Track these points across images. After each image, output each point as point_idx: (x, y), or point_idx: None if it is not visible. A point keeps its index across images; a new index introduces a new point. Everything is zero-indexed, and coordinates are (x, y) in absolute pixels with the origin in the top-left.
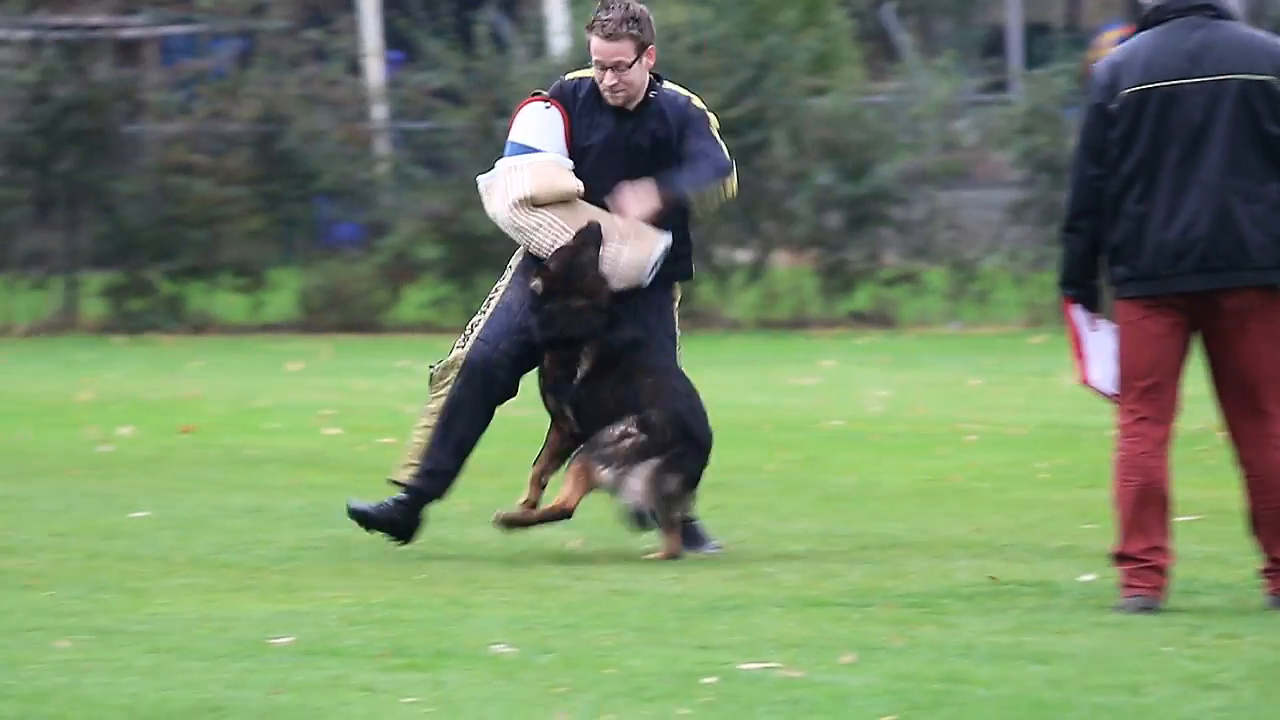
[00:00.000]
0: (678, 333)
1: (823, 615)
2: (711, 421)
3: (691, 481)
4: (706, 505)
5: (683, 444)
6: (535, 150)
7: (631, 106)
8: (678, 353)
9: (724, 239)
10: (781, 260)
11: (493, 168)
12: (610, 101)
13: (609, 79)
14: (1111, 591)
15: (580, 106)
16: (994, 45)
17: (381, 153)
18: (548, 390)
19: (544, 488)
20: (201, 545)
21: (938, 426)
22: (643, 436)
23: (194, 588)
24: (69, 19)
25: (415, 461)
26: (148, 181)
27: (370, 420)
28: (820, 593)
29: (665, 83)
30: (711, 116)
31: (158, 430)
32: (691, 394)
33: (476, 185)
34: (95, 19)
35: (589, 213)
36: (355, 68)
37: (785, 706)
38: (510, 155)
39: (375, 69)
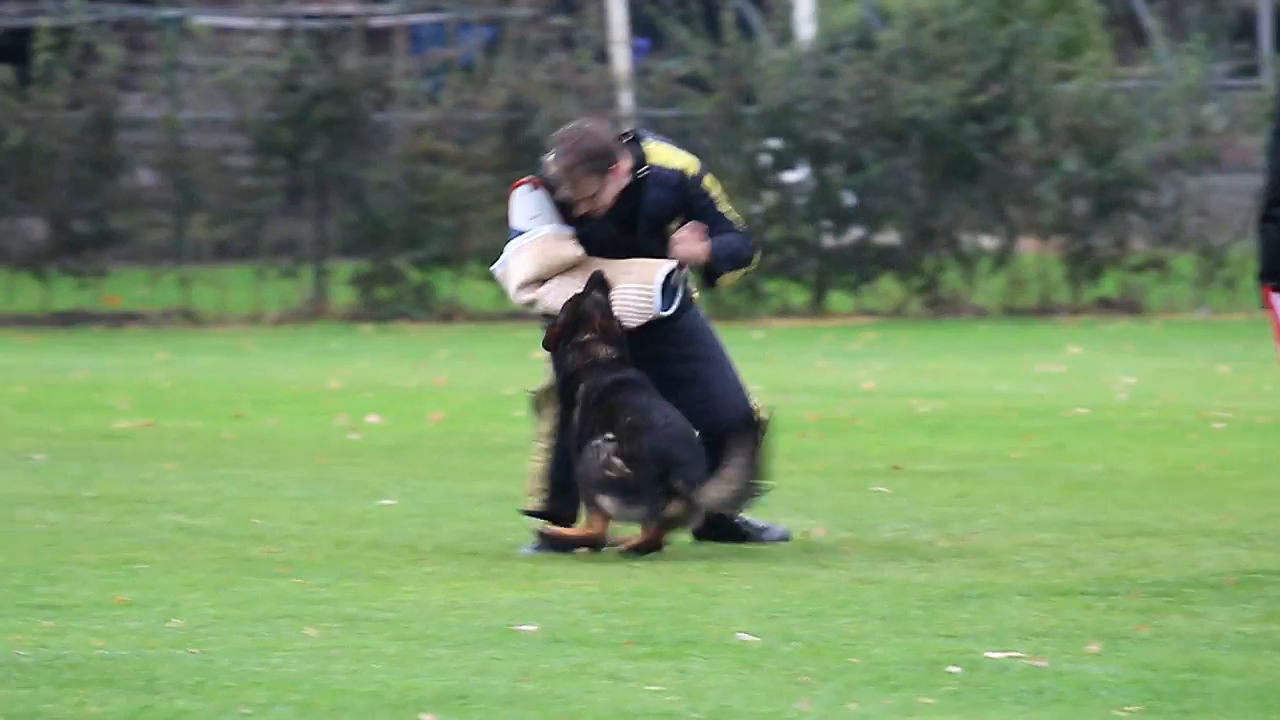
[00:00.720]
0: (718, 339)
1: (1068, 604)
2: (945, 407)
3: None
4: (951, 493)
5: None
6: (532, 231)
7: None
8: (723, 354)
9: (970, 226)
10: (1027, 247)
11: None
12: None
13: (583, 208)
14: None
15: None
16: (1243, 29)
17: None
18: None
19: None
20: (448, 533)
21: (1185, 414)
22: (627, 470)
23: (441, 575)
24: (319, 8)
25: (542, 486)
26: (396, 170)
27: None
28: (1065, 581)
29: (650, 145)
30: (709, 178)
31: (406, 418)
32: (670, 423)
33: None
34: (345, 7)
35: (593, 265)
36: (602, 55)
37: (1030, 696)
38: (511, 242)
39: (622, 56)
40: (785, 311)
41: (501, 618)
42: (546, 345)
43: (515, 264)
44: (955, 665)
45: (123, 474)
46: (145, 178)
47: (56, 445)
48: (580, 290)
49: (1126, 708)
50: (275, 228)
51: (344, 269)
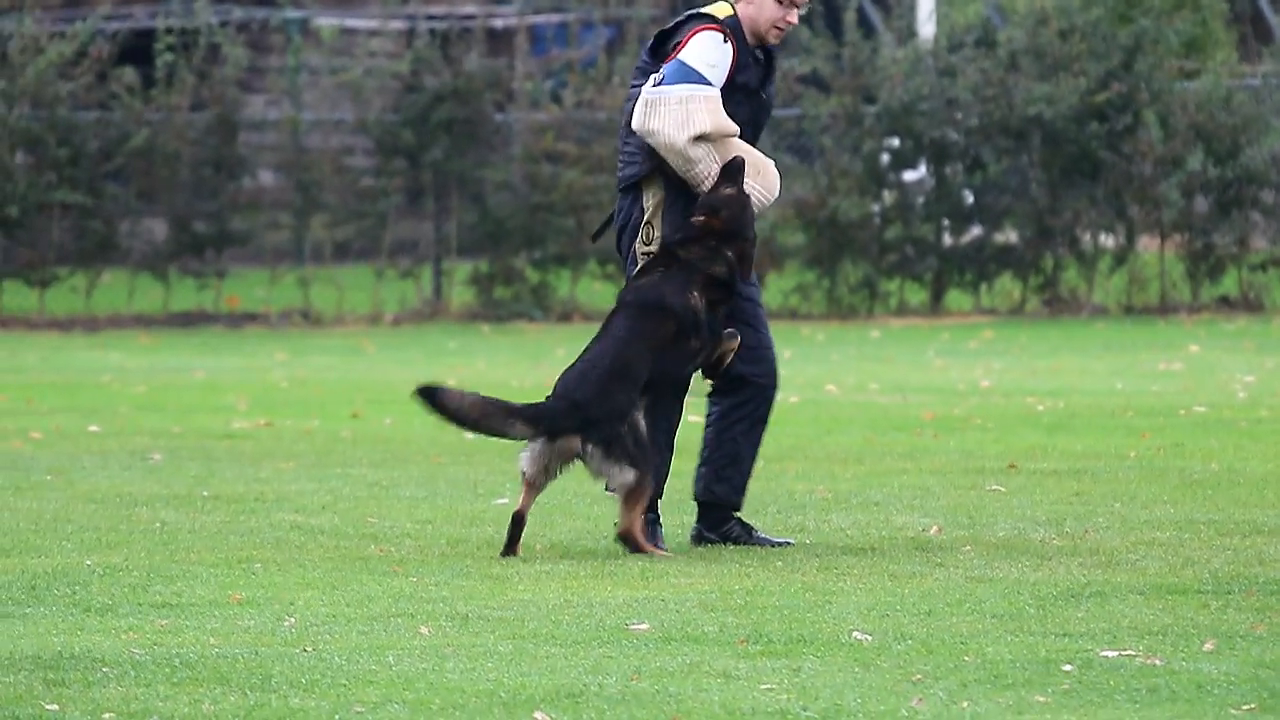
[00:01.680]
0: None
1: (1183, 602)
2: (1062, 406)
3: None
4: (1067, 492)
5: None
6: (709, 83)
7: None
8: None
9: (1090, 224)
10: (1147, 245)
11: (657, 84)
12: (772, 41)
13: (794, 17)
14: None
15: (741, 46)
16: None
17: None
18: (705, 326)
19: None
20: (563, 531)
21: None
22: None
23: (554, 574)
24: (441, 9)
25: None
26: (516, 170)
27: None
28: (1181, 580)
29: None
30: None
31: None
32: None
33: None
34: (467, 8)
35: (733, 147)
36: None
37: (1144, 694)
38: (685, 81)
39: None
40: (903, 310)
41: (615, 616)
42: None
43: (697, 110)
44: (1069, 664)
45: (239, 473)
46: (266, 179)
47: (174, 445)
48: (730, 187)
49: (1242, 706)
50: (395, 228)
51: (463, 269)
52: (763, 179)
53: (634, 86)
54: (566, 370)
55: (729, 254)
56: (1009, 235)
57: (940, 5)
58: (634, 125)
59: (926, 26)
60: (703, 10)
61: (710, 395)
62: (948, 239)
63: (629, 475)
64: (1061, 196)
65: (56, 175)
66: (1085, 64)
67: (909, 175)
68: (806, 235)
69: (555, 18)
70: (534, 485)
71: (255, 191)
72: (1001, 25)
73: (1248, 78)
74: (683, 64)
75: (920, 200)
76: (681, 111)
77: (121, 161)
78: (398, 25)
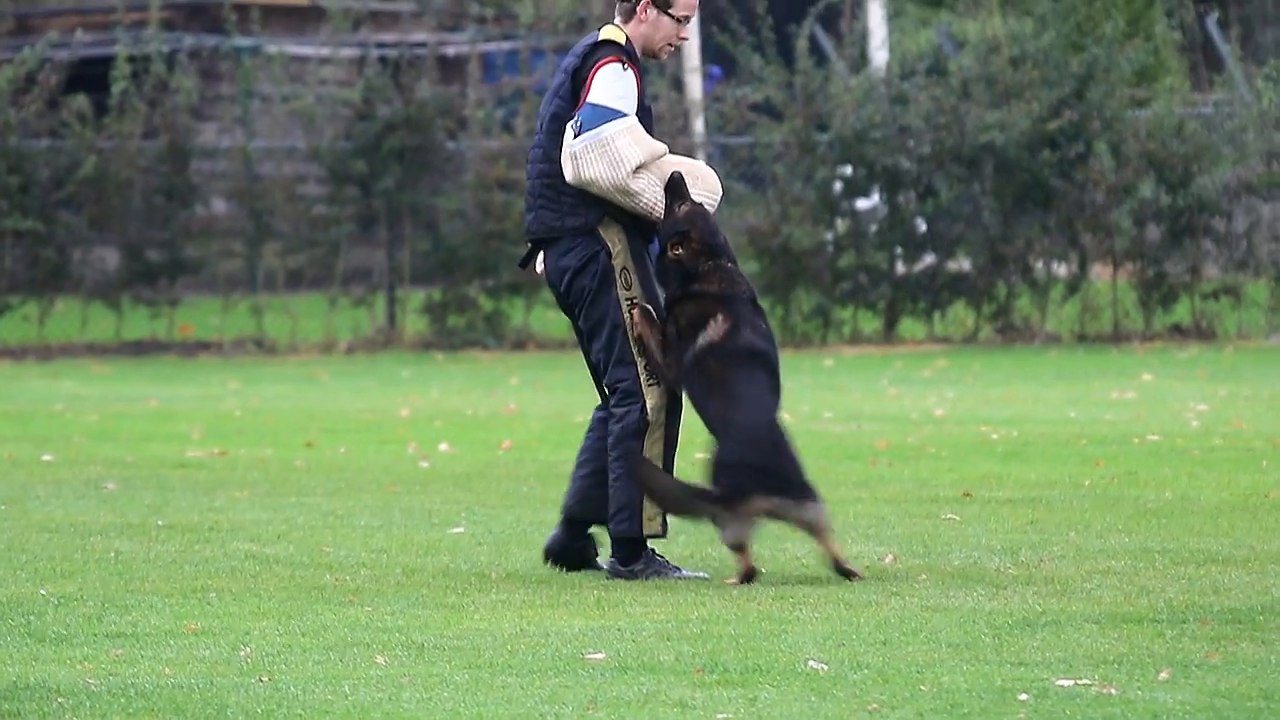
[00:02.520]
0: None
1: (1139, 631)
2: (1016, 435)
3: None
4: (1022, 520)
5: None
6: (624, 114)
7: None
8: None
9: (1043, 252)
10: (1100, 273)
11: (576, 133)
12: (664, 57)
13: (686, 33)
14: None
15: (640, 67)
16: None
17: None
18: (675, 359)
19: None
20: (518, 560)
21: (1257, 441)
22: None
23: (510, 603)
24: (393, 37)
25: (660, 511)
26: (469, 198)
27: (692, 435)
28: (1136, 609)
29: None
30: None
31: (476, 446)
32: (752, 423)
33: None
34: (418, 36)
35: (671, 165)
36: (677, 82)
37: None
38: (602, 122)
39: (695, 84)
40: (856, 338)
41: (571, 645)
42: (666, 243)
43: (624, 146)
44: (1025, 693)
45: (194, 502)
46: (219, 207)
47: (128, 474)
48: (691, 207)
49: None
50: (348, 256)
51: (416, 297)
52: (703, 183)
53: (548, 121)
54: (726, 438)
55: (721, 261)
56: (962, 263)
57: (892, 33)
58: (570, 179)
59: (879, 54)
60: (600, 39)
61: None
62: (901, 267)
63: (819, 508)
64: (1014, 224)
65: (8, 203)
66: (1037, 92)
67: (862, 203)
68: (760, 263)
69: (506, 45)
70: (745, 547)
71: (208, 220)
72: (954, 53)
73: (1199, 106)
74: (594, 106)
75: (873, 228)
76: (610, 153)
77: (73, 189)
78: (349, 53)
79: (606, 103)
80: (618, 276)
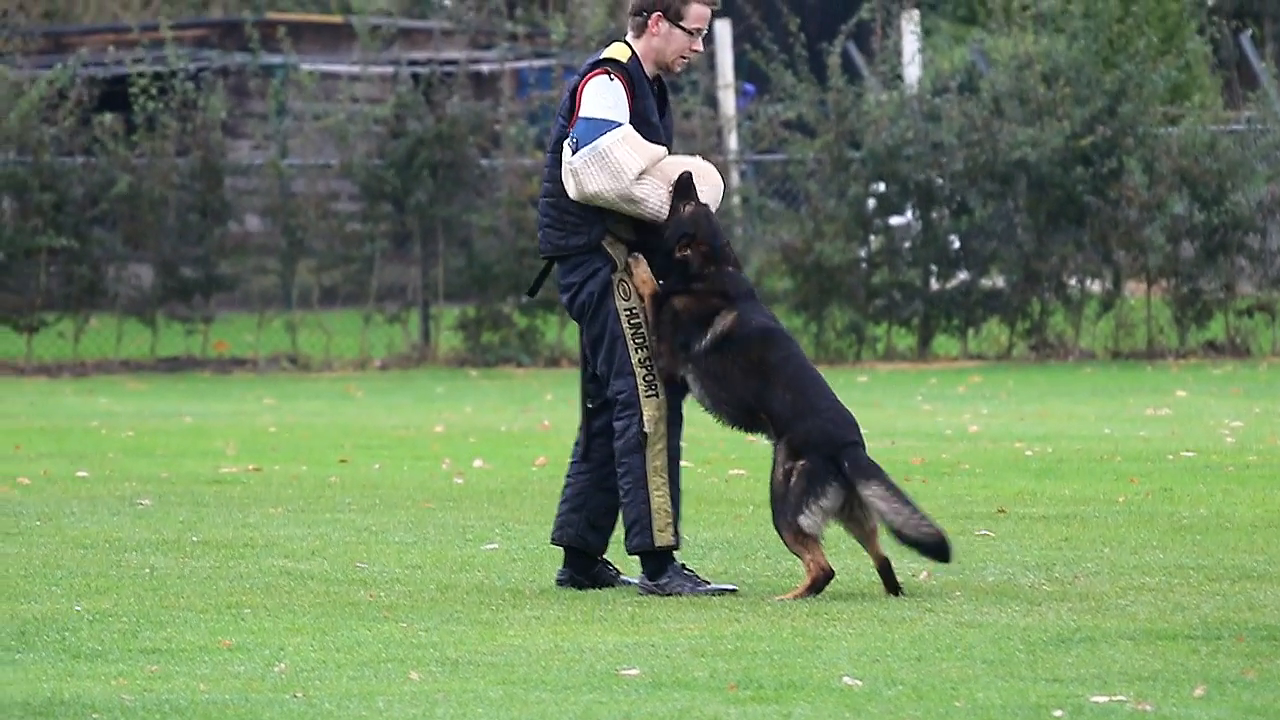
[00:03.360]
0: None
1: (1173, 648)
2: (1051, 451)
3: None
4: (1056, 537)
5: (839, 452)
6: (619, 124)
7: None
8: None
9: (1076, 269)
10: (1134, 290)
11: (574, 149)
12: (677, 70)
13: (698, 44)
14: None
15: (639, 84)
16: None
17: (734, 184)
18: (678, 348)
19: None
20: (552, 577)
21: None
22: (803, 463)
23: (544, 619)
24: (424, 54)
25: (670, 521)
26: (502, 215)
27: (721, 452)
28: (1171, 625)
29: None
30: None
31: (510, 462)
32: (827, 397)
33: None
34: (450, 53)
35: (673, 165)
36: (710, 99)
37: None
38: (597, 135)
39: (729, 101)
40: (891, 355)
41: (605, 662)
42: (672, 247)
43: (622, 155)
44: (1060, 709)
45: (229, 519)
46: (252, 224)
47: (163, 490)
48: (696, 208)
49: None
50: (381, 273)
51: (450, 314)
52: (706, 180)
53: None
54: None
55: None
56: (996, 280)
57: (925, 50)
58: (574, 196)
59: (910, 70)
60: (601, 56)
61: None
62: (934, 284)
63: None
64: (1047, 241)
65: (42, 220)
66: (1069, 108)
67: (895, 220)
68: (793, 280)
69: (538, 63)
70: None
71: (241, 236)
72: (986, 70)
73: (1233, 123)
74: (586, 120)
75: (906, 245)
76: (610, 163)
77: (107, 207)
78: (380, 70)
79: (598, 115)
80: (615, 288)
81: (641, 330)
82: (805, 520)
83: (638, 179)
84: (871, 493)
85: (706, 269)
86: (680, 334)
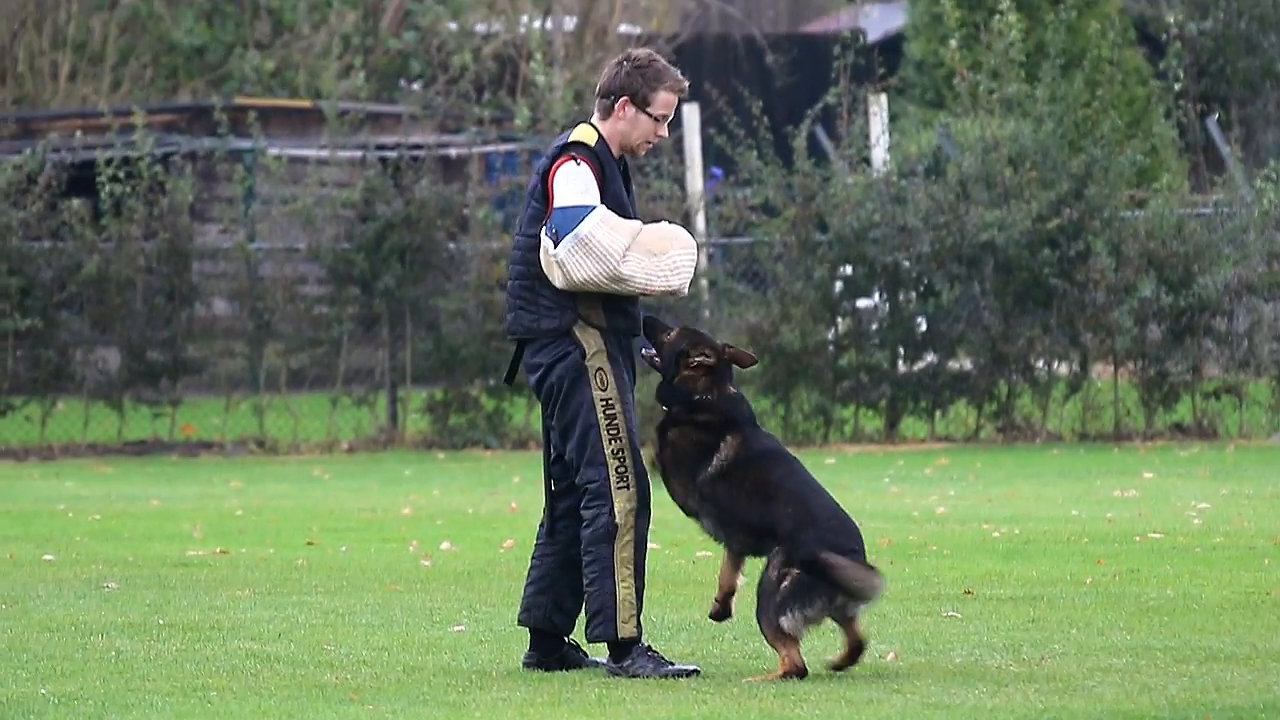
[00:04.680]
0: None
1: None
2: (1018, 532)
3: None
4: (1023, 618)
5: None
6: (593, 206)
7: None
8: None
9: (1044, 351)
10: (1101, 373)
11: (555, 240)
12: (641, 154)
13: (664, 130)
14: None
15: (608, 165)
16: None
17: (702, 267)
18: (675, 472)
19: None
20: (519, 659)
21: (1259, 539)
22: (797, 573)
23: (511, 701)
24: (393, 138)
25: (634, 613)
26: (470, 298)
27: (688, 534)
28: (1138, 706)
29: None
30: None
31: (478, 545)
32: (829, 507)
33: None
34: (418, 138)
35: (651, 235)
36: (679, 182)
37: None
38: (575, 223)
39: (696, 184)
40: (858, 437)
41: None
42: (663, 366)
43: (603, 237)
44: None
45: (195, 601)
46: (220, 307)
47: (129, 573)
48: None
49: None
50: (349, 356)
51: (418, 397)
52: (679, 243)
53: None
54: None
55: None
56: (963, 362)
57: (892, 134)
58: (561, 286)
59: (877, 153)
60: (569, 140)
61: (560, 522)
62: (902, 366)
63: None
64: (1015, 324)
65: (9, 304)
66: (1036, 191)
67: (862, 302)
68: (760, 362)
69: (505, 147)
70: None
71: (209, 320)
72: (953, 154)
73: (1199, 206)
74: (562, 210)
75: (874, 327)
76: (595, 248)
77: (75, 290)
78: (348, 155)
79: (571, 202)
80: (592, 377)
81: (616, 421)
82: (786, 622)
83: (623, 257)
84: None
85: (709, 394)
86: (687, 464)
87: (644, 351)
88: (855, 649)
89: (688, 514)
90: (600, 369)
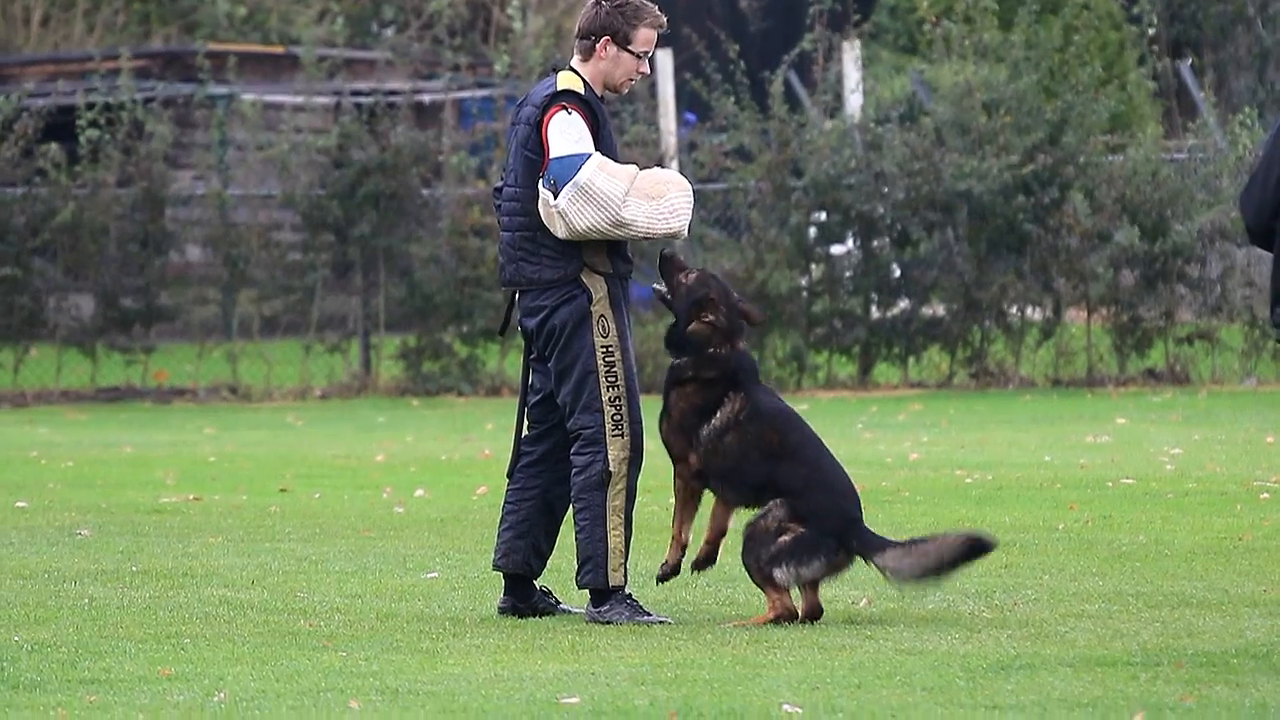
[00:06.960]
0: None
1: (1112, 674)
2: (991, 479)
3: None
4: (996, 564)
5: (845, 529)
6: (588, 154)
7: None
8: None
9: (1017, 298)
10: (1074, 318)
11: (554, 190)
12: (624, 91)
13: (645, 67)
14: None
15: (599, 112)
16: None
17: None
18: (677, 430)
19: (686, 545)
20: (493, 606)
21: (1231, 484)
22: (803, 531)
23: (484, 648)
24: (368, 84)
25: (623, 561)
26: (444, 244)
27: (661, 480)
28: (1110, 652)
29: None
30: None
31: (451, 491)
32: (839, 472)
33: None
34: (393, 84)
35: (648, 179)
36: (654, 126)
37: None
38: (572, 172)
39: (670, 130)
40: (832, 383)
41: (545, 690)
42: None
43: (603, 184)
44: None
45: (168, 548)
46: (194, 254)
47: (103, 520)
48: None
49: None
50: (323, 303)
51: (391, 343)
52: (678, 187)
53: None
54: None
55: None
56: (936, 309)
57: (866, 80)
58: (563, 236)
59: (853, 99)
60: (557, 89)
61: (537, 465)
62: (875, 312)
63: None
64: (988, 270)
65: None
66: (1011, 138)
67: (836, 249)
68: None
69: (480, 93)
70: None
71: (183, 267)
72: (928, 100)
73: (1174, 152)
74: (558, 159)
75: (848, 274)
76: (595, 195)
77: (49, 236)
78: (324, 101)
79: (567, 151)
80: (595, 323)
81: (616, 369)
82: (779, 574)
83: (624, 202)
84: (887, 560)
85: (720, 348)
86: (691, 416)
87: (655, 287)
88: (810, 614)
89: (683, 464)
90: (603, 316)
